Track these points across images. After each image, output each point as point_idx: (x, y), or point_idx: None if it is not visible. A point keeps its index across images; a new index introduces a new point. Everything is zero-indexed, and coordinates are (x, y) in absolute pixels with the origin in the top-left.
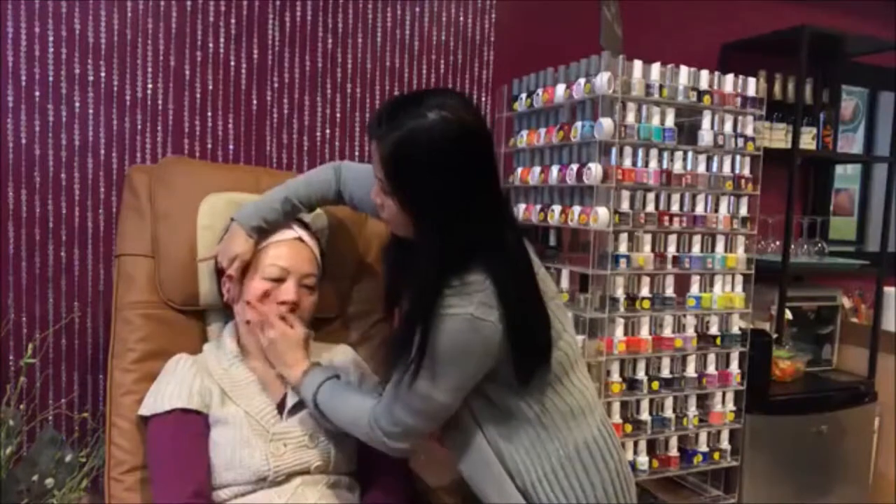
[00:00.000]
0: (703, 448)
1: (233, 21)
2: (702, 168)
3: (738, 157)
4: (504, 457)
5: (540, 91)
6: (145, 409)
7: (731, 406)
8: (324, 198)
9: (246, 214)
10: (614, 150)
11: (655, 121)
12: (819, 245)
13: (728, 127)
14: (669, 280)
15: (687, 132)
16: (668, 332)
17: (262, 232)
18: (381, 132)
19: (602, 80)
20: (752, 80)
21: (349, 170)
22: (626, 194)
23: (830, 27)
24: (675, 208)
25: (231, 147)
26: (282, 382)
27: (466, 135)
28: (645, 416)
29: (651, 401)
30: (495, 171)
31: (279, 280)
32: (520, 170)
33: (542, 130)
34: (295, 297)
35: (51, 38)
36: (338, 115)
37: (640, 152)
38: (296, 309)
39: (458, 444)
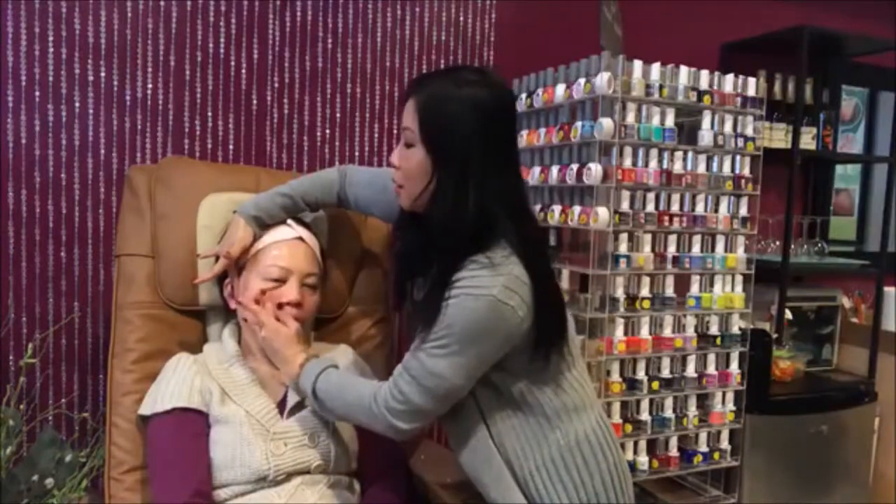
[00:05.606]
0: (703, 448)
1: (233, 21)
2: (702, 168)
3: (738, 157)
4: (505, 447)
5: (540, 91)
6: (145, 409)
7: (731, 406)
8: (326, 198)
9: (246, 206)
10: (614, 150)
11: (655, 121)
12: (819, 245)
13: (728, 127)
14: (669, 280)
15: (687, 132)
16: (668, 332)
17: (262, 224)
18: (419, 88)
19: (602, 80)
20: (752, 80)
21: (354, 172)
22: (626, 194)
23: (830, 27)
24: (675, 208)
25: (231, 147)
26: (281, 382)
27: (496, 100)
28: (645, 416)
29: (651, 401)
30: (516, 150)
31: (280, 280)
32: None
33: (542, 130)
34: (297, 297)
35: (51, 38)
36: (338, 115)
37: (640, 152)
38: (300, 308)
39: (459, 435)
